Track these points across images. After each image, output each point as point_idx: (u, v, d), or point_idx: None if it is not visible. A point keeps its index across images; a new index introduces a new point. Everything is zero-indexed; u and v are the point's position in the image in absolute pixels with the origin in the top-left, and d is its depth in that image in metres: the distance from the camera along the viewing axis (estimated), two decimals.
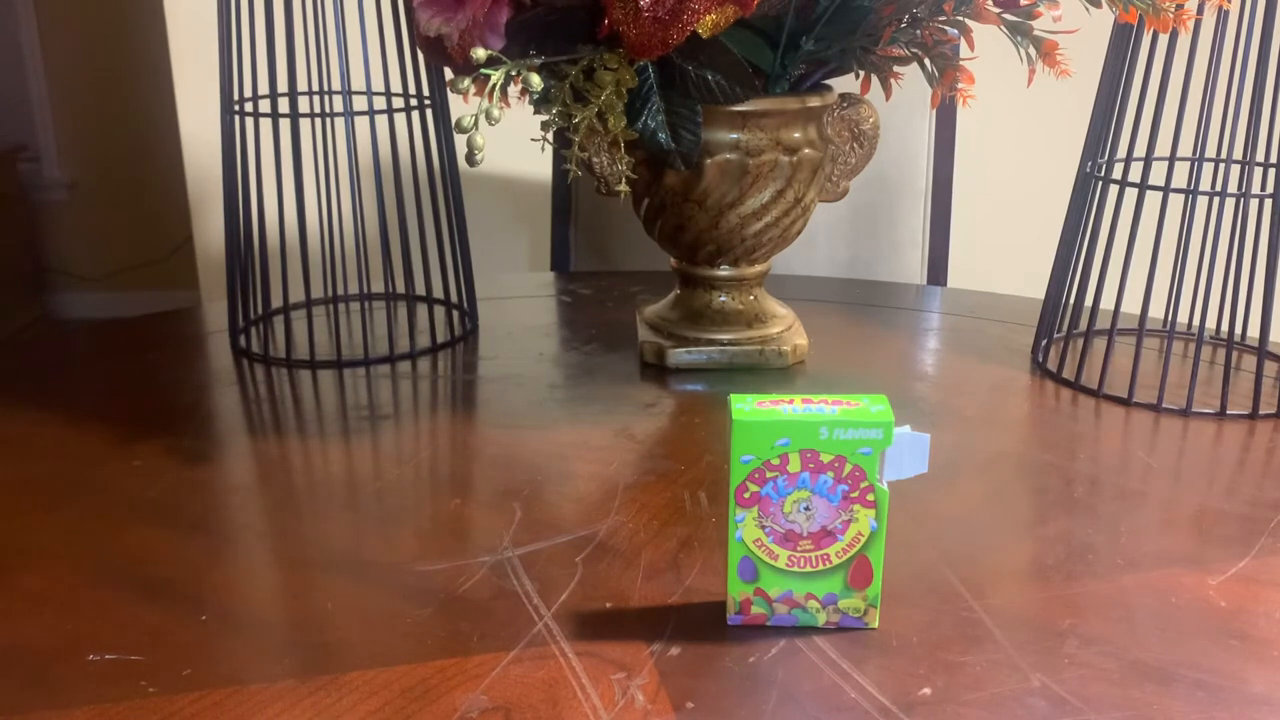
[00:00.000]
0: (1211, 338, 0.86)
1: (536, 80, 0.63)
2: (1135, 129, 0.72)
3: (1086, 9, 0.67)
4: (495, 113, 0.63)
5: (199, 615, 0.49)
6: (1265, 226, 0.72)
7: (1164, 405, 0.73)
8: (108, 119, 3.10)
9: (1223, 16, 0.66)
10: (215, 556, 0.54)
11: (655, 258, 1.20)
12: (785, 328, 0.82)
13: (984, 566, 0.53)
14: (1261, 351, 0.72)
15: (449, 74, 0.76)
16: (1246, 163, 0.71)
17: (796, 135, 0.74)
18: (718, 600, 0.50)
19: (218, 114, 1.59)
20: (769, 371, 0.80)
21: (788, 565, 0.47)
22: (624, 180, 0.71)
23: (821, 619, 0.48)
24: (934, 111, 1.25)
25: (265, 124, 1.11)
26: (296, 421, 0.71)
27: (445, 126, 0.85)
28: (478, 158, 0.63)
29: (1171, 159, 0.72)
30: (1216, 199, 0.72)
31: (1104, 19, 1.01)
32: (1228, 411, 0.72)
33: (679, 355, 0.80)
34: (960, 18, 0.70)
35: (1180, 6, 0.63)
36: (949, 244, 1.28)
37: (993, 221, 1.75)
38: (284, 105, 0.81)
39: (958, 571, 0.53)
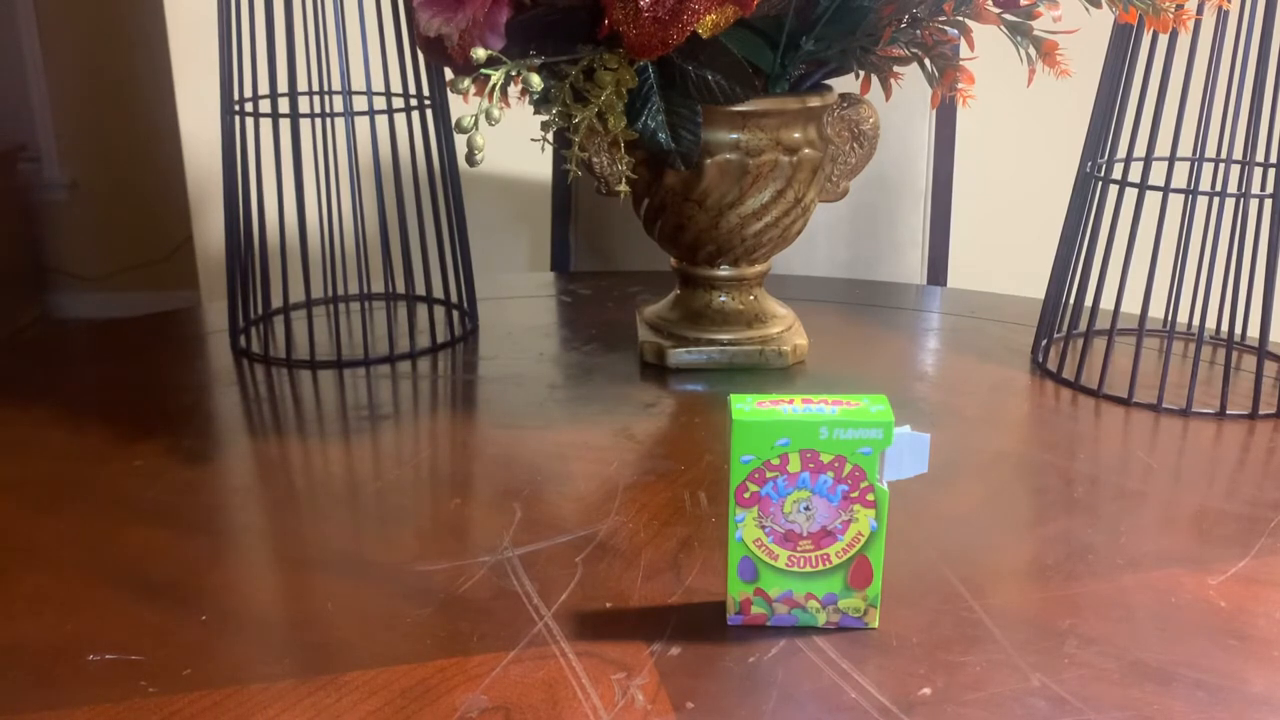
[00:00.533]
0: (1211, 338, 0.86)
1: (536, 80, 0.63)
2: (1135, 129, 0.72)
3: (1086, 9, 0.67)
4: (495, 113, 0.63)
5: (199, 615, 0.49)
6: (1265, 226, 0.72)
7: (1164, 405, 0.73)
8: (108, 119, 3.10)
9: (1223, 16, 0.66)
10: (215, 556, 0.54)
11: (655, 258, 1.20)
12: (785, 328, 0.82)
13: (984, 566, 0.53)
14: (1261, 351, 0.72)
15: (449, 74, 0.76)
16: (1246, 163, 0.71)
17: (796, 135, 0.74)
18: (718, 600, 0.50)
19: (218, 114, 1.59)
20: (769, 371, 0.80)
21: (788, 565, 0.47)
22: (624, 180, 0.71)
23: (821, 619, 0.48)
24: (934, 111, 1.25)
25: (265, 124, 1.11)
26: (296, 421, 0.71)
27: (445, 126, 0.85)
28: (478, 158, 0.63)
29: (1171, 159, 0.72)
30: (1216, 199, 0.72)
31: (1104, 19, 1.01)
32: (1228, 411, 0.72)
33: (679, 355, 0.80)
34: (960, 18, 0.70)
35: (1180, 6, 0.63)
36: (949, 244, 1.28)
37: (993, 221, 1.75)
38: (284, 105, 0.81)
39: (958, 571, 0.53)
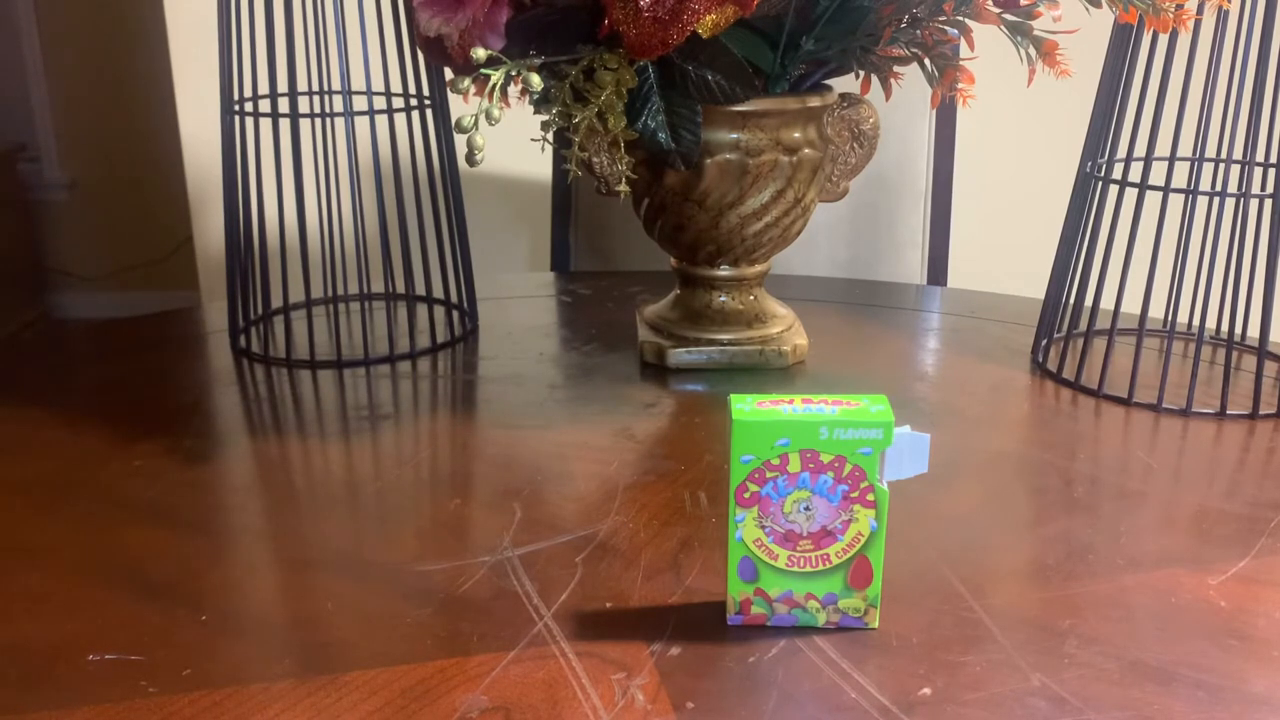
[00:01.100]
0: (1211, 338, 0.86)
1: (536, 80, 0.63)
2: (1135, 129, 0.72)
3: (1086, 9, 0.67)
4: (495, 113, 0.63)
5: (199, 615, 0.49)
6: (1265, 226, 0.72)
7: (1164, 405, 0.73)
8: (108, 119, 3.10)
9: (1223, 16, 0.66)
10: (215, 556, 0.54)
11: (655, 258, 1.20)
12: (785, 328, 0.82)
13: (984, 566, 0.53)
14: (1261, 351, 0.72)
15: (449, 74, 0.76)
16: (1246, 163, 0.71)
17: (796, 135, 0.74)
18: (718, 600, 0.50)
19: (218, 114, 1.59)
20: (769, 371, 0.80)
21: (788, 565, 0.47)
22: (624, 180, 0.71)
23: (821, 619, 0.48)
24: (934, 111, 1.25)
25: (265, 124, 1.11)
26: (296, 421, 0.71)
27: (445, 126, 0.85)
28: (478, 158, 0.63)
29: (1171, 159, 0.72)
30: (1216, 199, 0.72)
31: (1104, 19, 1.01)
32: (1228, 411, 0.72)
33: (679, 355, 0.80)
34: (960, 18, 0.70)
35: (1180, 6, 0.63)
36: (949, 244, 1.28)
37: (993, 221, 1.75)
38: (284, 105, 0.81)
39: (958, 571, 0.53)
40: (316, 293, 0.94)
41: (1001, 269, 1.76)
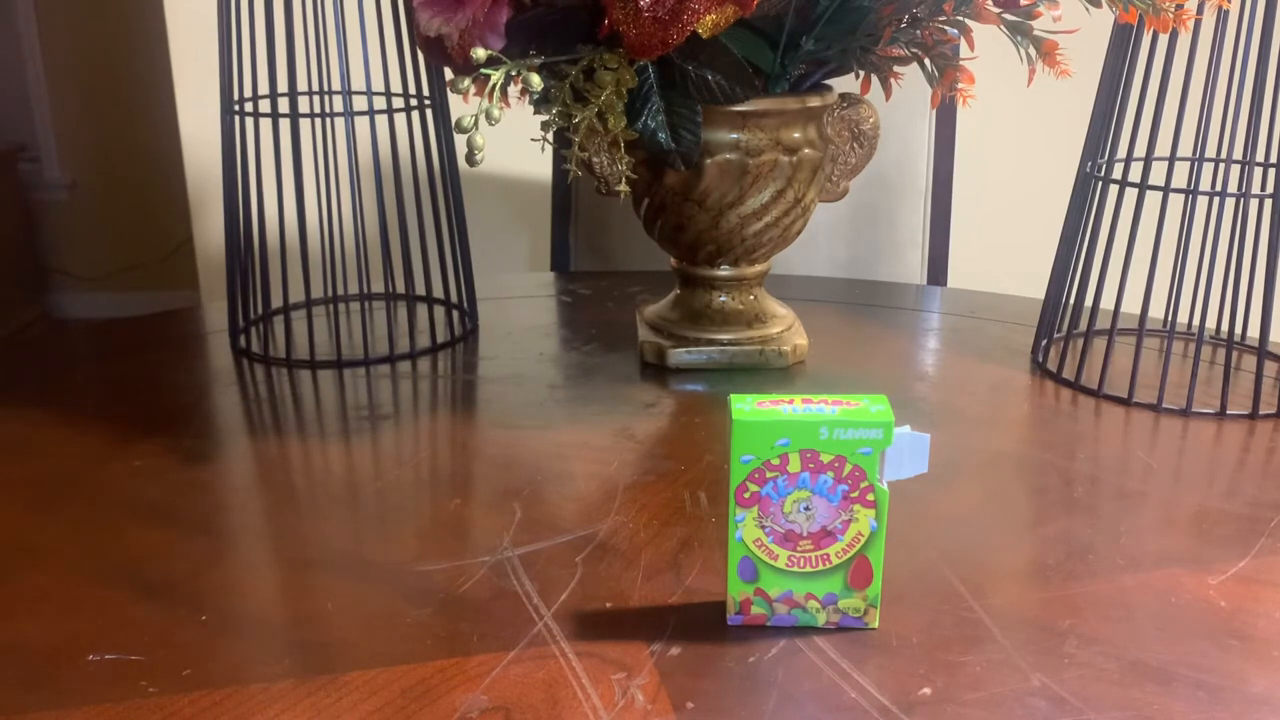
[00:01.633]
0: (1211, 338, 0.86)
1: (536, 80, 0.63)
2: (1135, 129, 0.72)
3: (1086, 9, 0.67)
4: (495, 113, 0.63)
5: (199, 615, 0.49)
6: (1265, 226, 0.72)
7: (1164, 405, 0.73)
8: (108, 119, 3.10)
9: (1223, 16, 0.66)
10: (215, 556, 0.54)
11: (655, 258, 1.20)
12: (785, 328, 0.82)
13: (984, 566, 0.53)
14: (1261, 351, 0.72)
15: (449, 74, 0.76)
16: (1246, 163, 0.71)
17: (796, 135, 0.74)
18: (718, 600, 0.50)
19: (218, 114, 1.59)
20: (769, 371, 0.80)
21: (788, 565, 0.47)
22: (624, 180, 0.71)
23: (821, 619, 0.48)
24: (934, 111, 1.25)
25: (265, 124, 1.11)
26: (296, 421, 0.71)
27: (445, 126, 0.85)
28: (478, 158, 0.63)
29: (1171, 159, 0.72)
30: (1216, 199, 0.72)
31: (1104, 19, 1.01)
32: (1228, 411, 0.72)
33: (679, 355, 0.80)
34: (960, 18, 0.70)
35: (1180, 6, 0.63)
36: (949, 244, 1.28)
37: (993, 221, 1.75)
38: (284, 105, 0.81)
39: (958, 571, 0.53)
40: (316, 293, 0.94)
41: (1001, 269, 1.76)
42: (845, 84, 0.82)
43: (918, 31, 0.72)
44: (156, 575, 0.53)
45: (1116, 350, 0.80)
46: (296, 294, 0.94)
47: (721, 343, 0.80)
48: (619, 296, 0.98)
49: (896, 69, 0.76)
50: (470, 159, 0.63)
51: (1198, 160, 0.73)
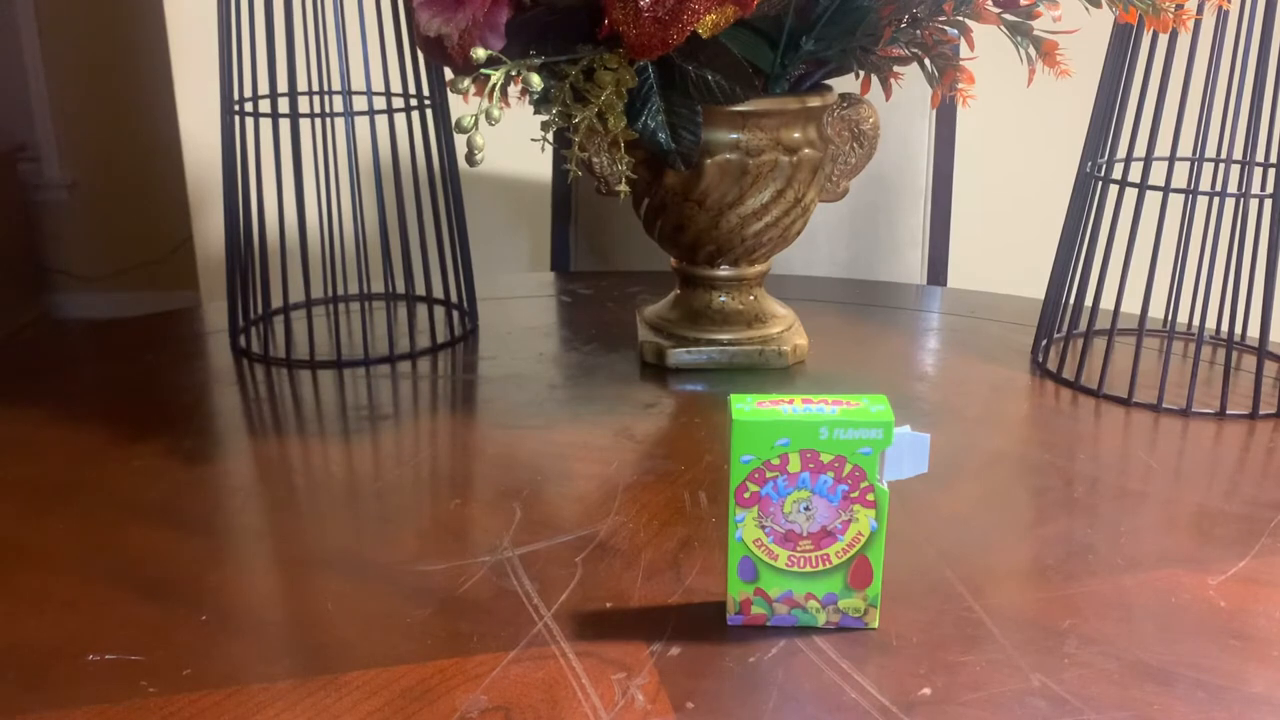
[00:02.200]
0: (1211, 338, 0.86)
1: (536, 80, 0.63)
2: (1135, 129, 0.72)
3: (1086, 9, 0.67)
4: (495, 113, 0.63)
5: (199, 615, 0.49)
6: (1265, 226, 0.72)
7: (1164, 405, 0.73)
8: (108, 119, 3.10)
9: (1223, 16, 0.66)
10: (215, 556, 0.54)
11: (655, 258, 1.20)
12: (785, 328, 0.82)
13: (984, 566, 0.53)
14: (1261, 351, 0.72)
15: (449, 74, 0.76)
16: (1246, 163, 0.71)
17: (796, 135, 0.74)
18: (718, 600, 0.50)
19: (218, 114, 1.59)
20: (769, 371, 0.80)
21: (788, 565, 0.47)
22: (624, 180, 0.71)
23: (821, 619, 0.48)
24: (934, 111, 1.25)
25: (265, 124, 1.11)
26: (296, 421, 0.71)
27: (445, 126, 0.85)
28: (478, 158, 0.63)
29: (1171, 159, 0.72)
30: (1216, 199, 0.72)
31: (1104, 19, 1.01)
32: (1228, 411, 0.72)
33: (679, 355, 0.80)
34: (960, 18, 0.70)
35: (1180, 6, 0.63)
36: (949, 244, 1.28)
37: (993, 221, 1.75)
38: (284, 105, 0.81)
39: (958, 571, 0.53)
40: (316, 293, 0.94)
41: (1001, 269, 1.76)
42: (845, 84, 0.82)
43: (918, 31, 0.72)
44: (156, 575, 0.53)
45: (1116, 350, 0.80)
46: (296, 294, 0.94)
47: (721, 343, 0.80)
48: (619, 296, 0.98)
49: (896, 69, 0.76)
50: (470, 159, 0.63)
51: (1198, 160, 0.73)
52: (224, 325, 0.90)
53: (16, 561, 0.54)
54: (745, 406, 0.45)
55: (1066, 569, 0.53)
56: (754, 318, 0.81)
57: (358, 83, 1.37)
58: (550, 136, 0.68)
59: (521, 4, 0.67)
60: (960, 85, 0.73)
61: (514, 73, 0.64)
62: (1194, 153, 0.73)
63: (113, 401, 0.74)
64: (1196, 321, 0.78)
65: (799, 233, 0.79)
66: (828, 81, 0.78)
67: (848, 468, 0.45)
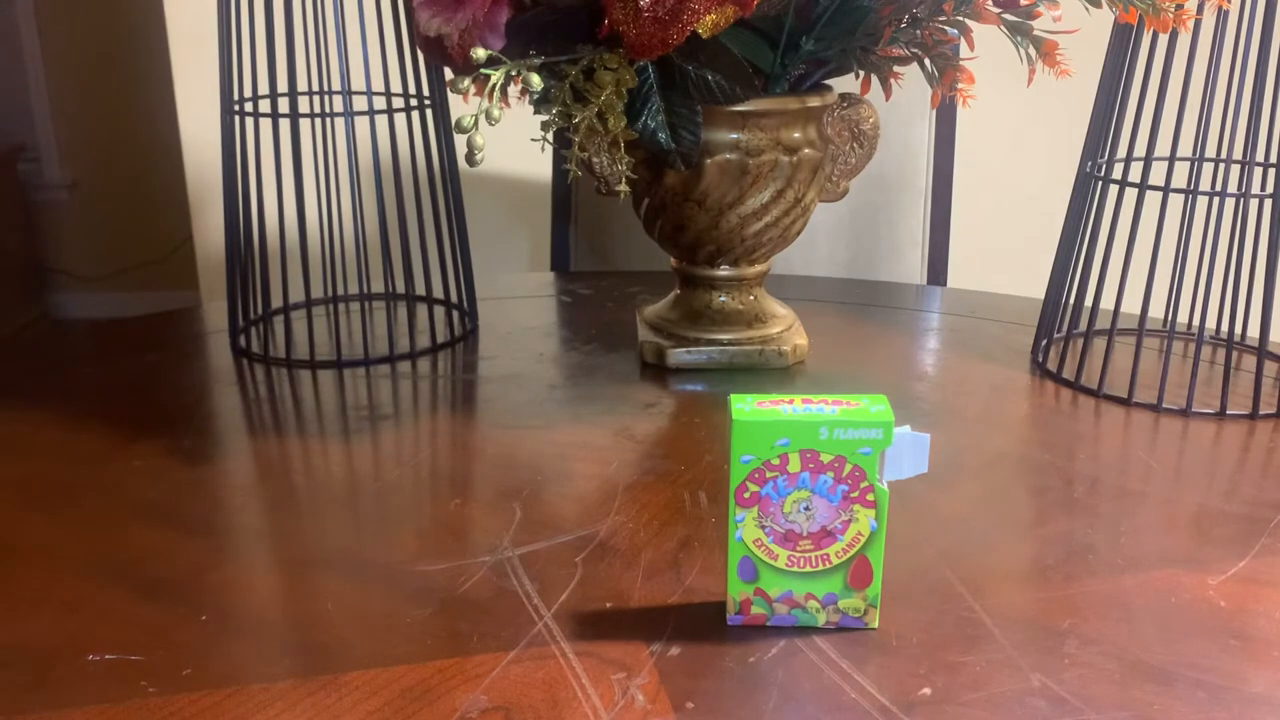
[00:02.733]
0: (1211, 338, 0.86)
1: (536, 80, 0.63)
2: (1135, 129, 0.72)
3: (1086, 9, 0.67)
4: (495, 113, 0.63)
5: (199, 615, 0.49)
6: (1265, 226, 0.72)
7: (1164, 405, 0.73)
8: (108, 119, 3.10)
9: (1223, 16, 0.66)
10: (215, 556, 0.54)
11: (655, 258, 1.20)
12: (785, 328, 0.82)
13: (984, 566, 0.53)
14: (1261, 351, 0.72)
15: (449, 74, 0.76)
16: (1246, 163, 0.71)
17: (796, 135, 0.74)
18: (718, 600, 0.50)
19: (218, 114, 1.59)
20: (769, 371, 0.80)
21: (788, 565, 0.47)
22: (624, 180, 0.71)
23: (821, 619, 0.48)
24: (934, 111, 1.25)
25: (265, 124, 1.11)
26: (296, 421, 0.71)
27: (445, 126, 0.85)
28: (478, 158, 0.63)
29: (1171, 159, 0.72)
30: (1216, 199, 0.72)
31: (1104, 19, 1.01)
32: (1228, 411, 0.72)
33: (679, 355, 0.80)
34: (960, 18, 0.70)
35: (1180, 6, 0.63)
36: (949, 244, 1.28)
37: (993, 221, 1.75)
38: (284, 105, 0.81)
39: (958, 571, 0.53)
40: (316, 293, 0.94)
41: (1001, 269, 1.76)
42: (845, 84, 0.82)
43: (918, 31, 0.72)
44: (156, 575, 0.53)
45: (1116, 350, 0.80)
46: (296, 294, 0.94)
47: (721, 343, 0.80)
48: (619, 296, 0.98)
49: (896, 69, 0.76)
50: (470, 159, 0.63)
51: (1198, 160, 0.73)
52: (224, 325, 0.90)
53: (16, 561, 0.54)
54: (745, 406, 0.45)
55: (1066, 569, 0.53)
56: (754, 318, 0.81)
57: (358, 83, 1.37)
58: (550, 136, 0.68)
59: (521, 4, 0.67)
60: (960, 85, 0.73)
61: (514, 73, 0.64)
62: (1194, 153, 0.73)
63: (113, 401, 0.74)
64: (1196, 321, 0.78)
65: (799, 233, 0.79)
66: (828, 81, 0.79)
67: (848, 468, 0.45)
